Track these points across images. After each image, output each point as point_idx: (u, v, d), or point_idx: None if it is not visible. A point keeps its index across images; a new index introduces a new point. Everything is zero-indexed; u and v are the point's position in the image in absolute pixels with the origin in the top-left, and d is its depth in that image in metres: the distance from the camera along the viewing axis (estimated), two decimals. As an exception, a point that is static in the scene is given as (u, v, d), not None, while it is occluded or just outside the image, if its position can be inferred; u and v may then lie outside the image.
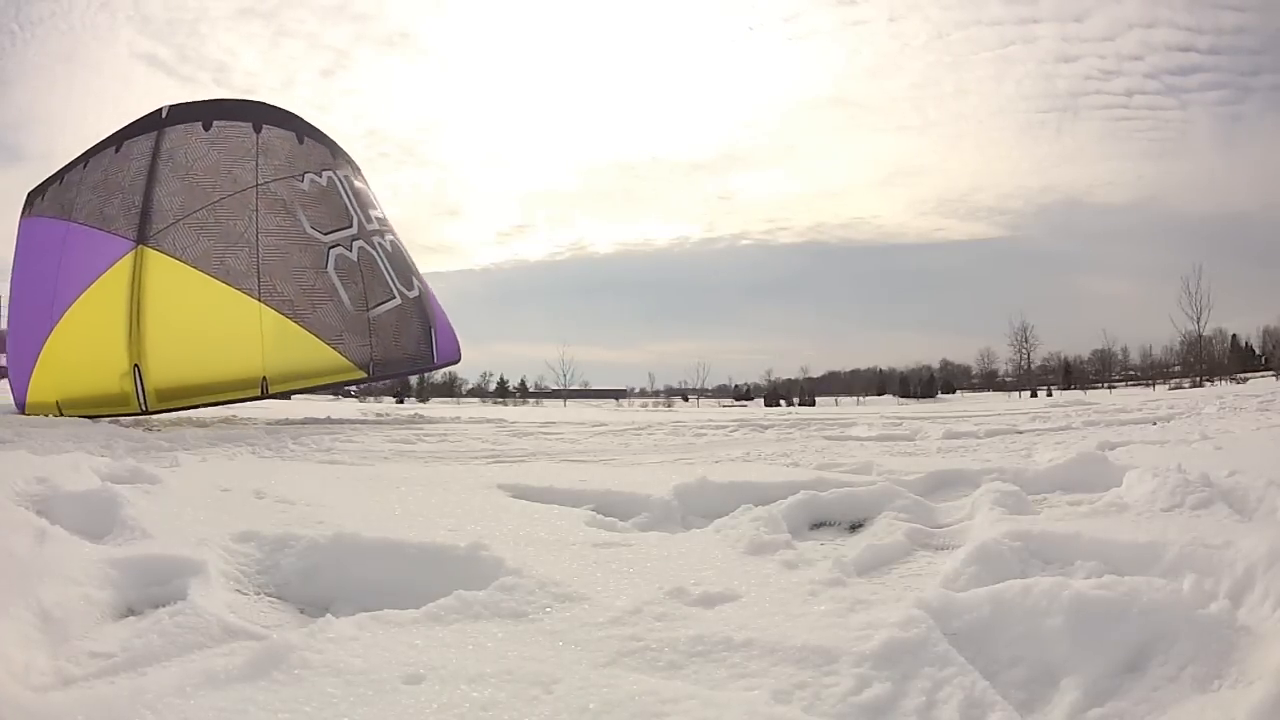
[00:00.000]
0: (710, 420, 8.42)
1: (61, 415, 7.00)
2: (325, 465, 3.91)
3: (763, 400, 44.90)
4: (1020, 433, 6.07)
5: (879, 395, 48.84)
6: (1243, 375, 34.22)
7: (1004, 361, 47.28)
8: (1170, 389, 32.26)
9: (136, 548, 1.83)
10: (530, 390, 47.13)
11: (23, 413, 7.37)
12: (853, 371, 53.48)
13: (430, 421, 7.29)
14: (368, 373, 7.72)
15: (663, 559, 2.02)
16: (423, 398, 36.98)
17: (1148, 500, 2.43)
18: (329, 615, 1.51)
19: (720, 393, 49.23)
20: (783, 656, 1.34)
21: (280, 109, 8.05)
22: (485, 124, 71.08)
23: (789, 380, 50.59)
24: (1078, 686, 1.33)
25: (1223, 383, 30.74)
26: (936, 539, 2.37)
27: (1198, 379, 36.04)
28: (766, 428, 6.81)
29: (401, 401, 30.53)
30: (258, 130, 7.63)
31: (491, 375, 48.20)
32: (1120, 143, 54.65)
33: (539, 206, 73.82)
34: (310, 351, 7.41)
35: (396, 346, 7.90)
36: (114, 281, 7.16)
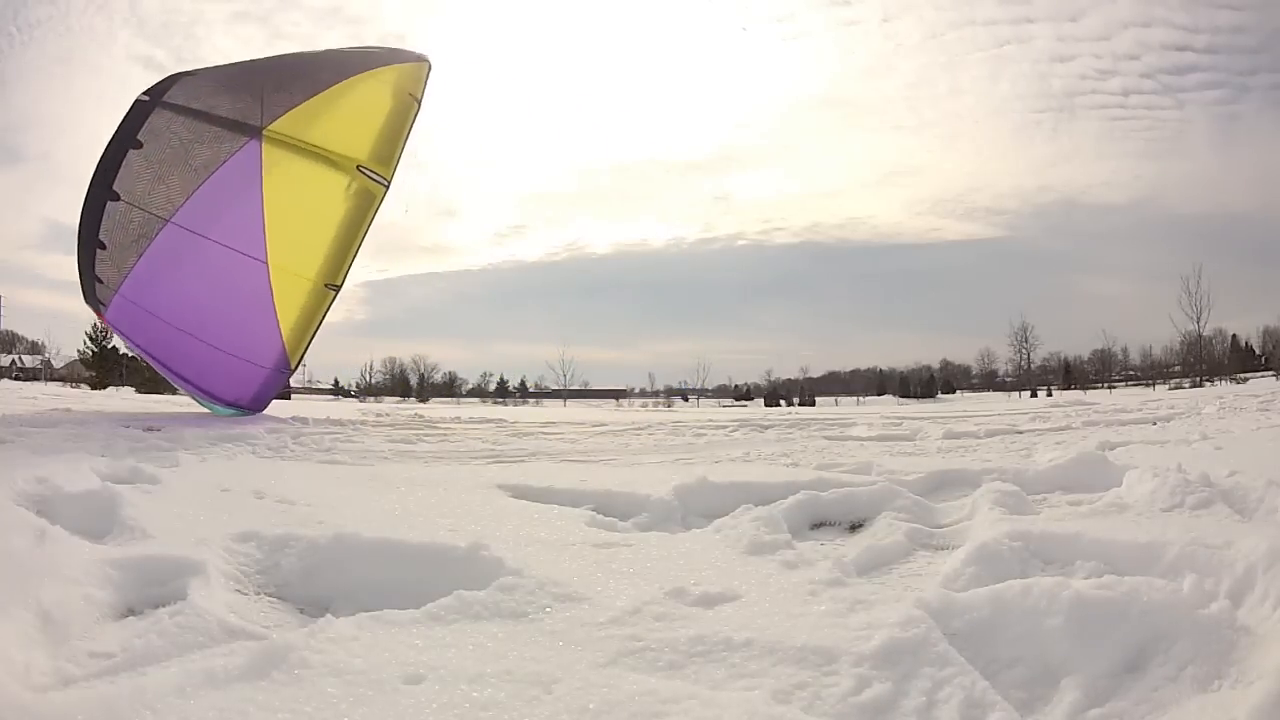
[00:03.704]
0: (710, 420, 8.41)
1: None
2: (325, 465, 3.91)
3: (763, 400, 44.91)
4: (1020, 433, 6.06)
5: (879, 395, 48.84)
6: (1243, 375, 34.25)
7: (1004, 361, 47.31)
8: (1170, 389, 32.28)
9: (136, 548, 1.83)
10: (530, 390, 47.12)
11: (287, 380, 7.10)
12: (852, 371, 53.46)
13: (430, 422, 7.27)
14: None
15: (663, 559, 2.02)
16: (423, 398, 37.02)
17: (1148, 500, 2.43)
18: (329, 615, 1.51)
19: (720, 393, 49.20)
20: (782, 656, 1.34)
21: None
22: (482, 125, 71.15)
23: (789, 380, 50.61)
24: (1078, 686, 1.33)
25: (1223, 383, 30.75)
26: (936, 539, 2.37)
27: (1198, 379, 36.06)
28: (766, 428, 6.81)
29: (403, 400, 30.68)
30: None
31: (491, 375, 48.27)
32: (1117, 142, 54.54)
33: (536, 207, 73.55)
34: None
35: None
36: None
